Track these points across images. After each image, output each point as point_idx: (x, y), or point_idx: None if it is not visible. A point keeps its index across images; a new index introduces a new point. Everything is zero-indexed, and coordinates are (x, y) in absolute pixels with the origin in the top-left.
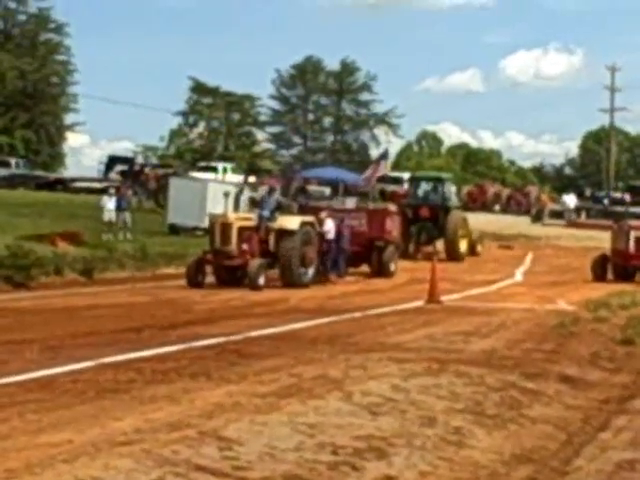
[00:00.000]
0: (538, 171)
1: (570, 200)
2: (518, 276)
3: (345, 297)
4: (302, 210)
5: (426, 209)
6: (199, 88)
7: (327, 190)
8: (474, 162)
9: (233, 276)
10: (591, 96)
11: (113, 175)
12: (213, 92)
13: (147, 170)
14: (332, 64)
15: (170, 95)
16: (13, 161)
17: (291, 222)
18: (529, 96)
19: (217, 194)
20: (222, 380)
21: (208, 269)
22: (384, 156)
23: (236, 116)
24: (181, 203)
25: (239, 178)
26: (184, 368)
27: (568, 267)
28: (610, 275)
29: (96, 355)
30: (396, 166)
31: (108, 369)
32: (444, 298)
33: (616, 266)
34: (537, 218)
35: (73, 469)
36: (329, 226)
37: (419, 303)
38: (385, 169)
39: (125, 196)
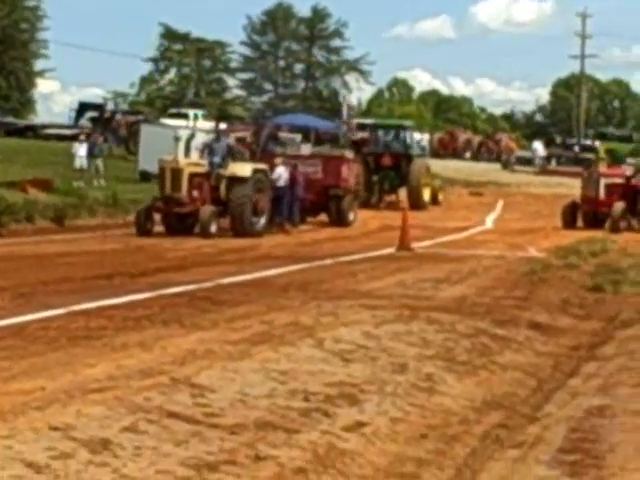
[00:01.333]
0: (509, 118)
1: (540, 147)
2: (489, 223)
3: (316, 244)
4: (271, 157)
5: (388, 158)
6: (169, 34)
7: (298, 137)
8: (445, 109)
9: (182, 224)
10: (562, 43)
11: (83, 122)
12: (184, 38)
13: (118, 117)
14: (303, 10)
15: (140, 41)
16: None
17: (243, 169)
18: (500, 43)
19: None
20: (194, 327)
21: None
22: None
23: (207, 63)
24: (152, 150)
25: (210, 125)
26: (155, 315)
27: (538, 214)
28: (580, 222)
29: (67, 302)
30: (367, 113)
31: (79, 316)
32: (415, 245)
33: (586, 213)
34: (506, 165)
35: (45, 416)
36: (278, 173)
37: (390, 250)
38: (345, 115)
39: (96, 143)
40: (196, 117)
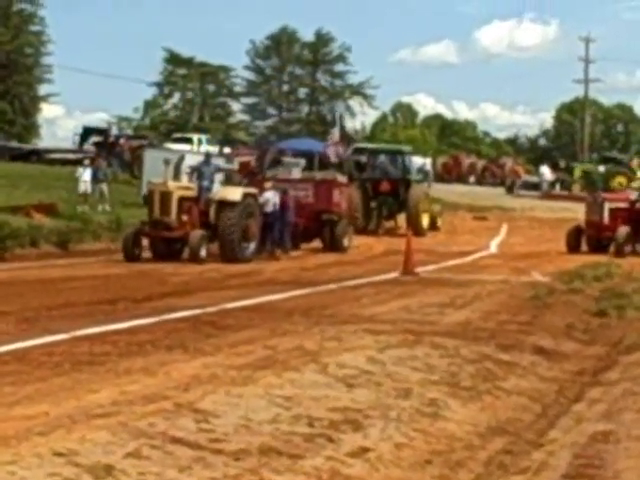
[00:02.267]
0: (513, 142)
1: (547, 171)
2: (493, 248)
3: (320, 268)
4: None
5: (386, 183)
6: (174, 59)
7: (302, 161)
8: (449, 133)
9: (170, 249)
10: (565, 67)
11: (88, 146)
12: (188, 63)
13: (122, 141)
14: (307, 35)
15: (144, 66)
16: None
17: (233, 193)
18: (504, 67)
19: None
20: (198, 352)
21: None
22: (333, 123)
23: (211, 87)
24: (156, 174)
25: (214, 149)
26: (159, 340)
27: (543, 238)
28: (584, 247)
29: (71, 327)
30: (371, 137)
31: (83, 341)
32: (419, 270)
33: (590, 238)
34: (510, 189)
35: (49, 441)
36: (265, 198)
37: (394, 275)
38: (335, 137)
39: (100, 167)
40: (200, 141)
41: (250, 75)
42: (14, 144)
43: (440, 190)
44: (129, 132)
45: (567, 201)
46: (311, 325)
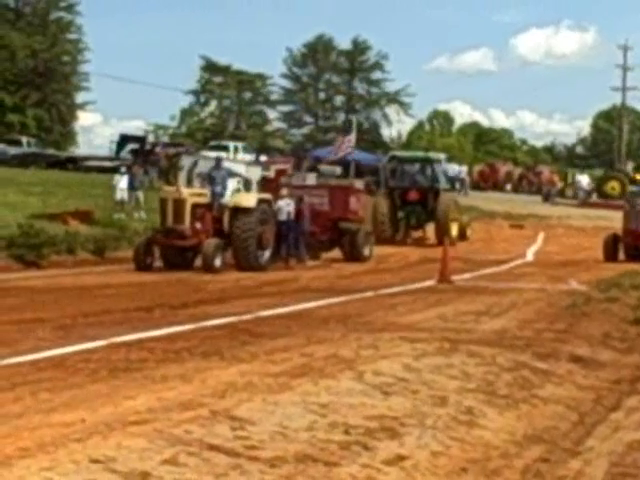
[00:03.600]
0: (550, 150)
1: (584, 180)
2: (529, 256)
3: (356, 276)
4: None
5: (415, 192)
6: (210, 67)
7: (338, 169)
8: (486, 141)
9: (182, 258)
10: (603, 75)
11: (124, 154)
12: (224, 71)
13: (158, 149)
14: (343, 43)
15: (181, 74)
16: (25, 140)
17: (247, 199)
18: (541, 75)
19: None
20: (234, 359)
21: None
22: (350, 129)
23: (247, 95)
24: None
25: (250, 157)
26: (196, 347)
27: (579, 247)
28: (622, 255)
29: (108, 334)
30: (408, 145)
31: (120, 348)
32: (455, 278)
33: (628, 246)
34: (547, 198)
35: (86, 448)
36: (278, 206)
37: (430, 283)
38: (350, 143)
39: (137, 175)
40: (236, 149)
41: (287, 83)
42: (51, 151)
43: (477, 198)
44: (165, 140)
45: (604, 209)
46: (347, 333)
